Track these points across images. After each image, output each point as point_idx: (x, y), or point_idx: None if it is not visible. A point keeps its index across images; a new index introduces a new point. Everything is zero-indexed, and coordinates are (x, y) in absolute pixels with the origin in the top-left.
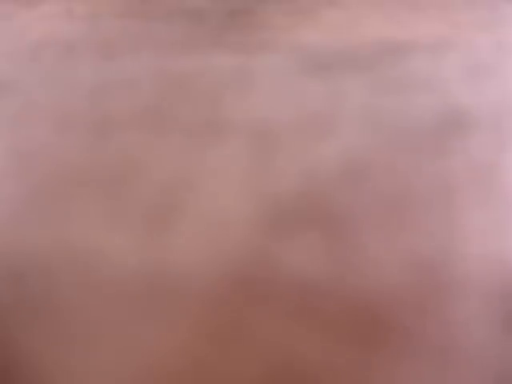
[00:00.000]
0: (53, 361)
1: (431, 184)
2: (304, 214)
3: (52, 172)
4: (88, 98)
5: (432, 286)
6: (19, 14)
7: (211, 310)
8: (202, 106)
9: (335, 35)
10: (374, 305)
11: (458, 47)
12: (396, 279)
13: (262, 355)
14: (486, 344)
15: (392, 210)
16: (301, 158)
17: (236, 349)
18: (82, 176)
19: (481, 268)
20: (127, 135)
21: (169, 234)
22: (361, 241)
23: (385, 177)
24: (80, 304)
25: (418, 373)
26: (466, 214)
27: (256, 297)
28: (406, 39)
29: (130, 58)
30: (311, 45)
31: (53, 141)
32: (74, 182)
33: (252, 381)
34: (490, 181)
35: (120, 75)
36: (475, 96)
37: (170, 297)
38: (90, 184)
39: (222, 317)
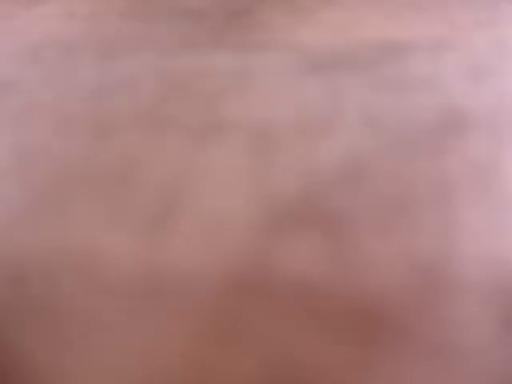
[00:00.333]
0: (53, 362)
1: (430, 184)
2: (303, 215)
3: (52, 172)
4: (88, 98)
5: (431, 286)
6: (19, 13)
7: (211, 311)
8: (201, 106)
9: (335, 35)
10: (373, 305)
11: (457, 47)
12: (395, 280)
13: (262, 356)
14: (486, 344)
15: (391, 210)
16: (300, 158)
17: (235, 349)
18: (82, 176)
19: (480, 268)
20: (127, 135)
21: (169, 234)
22: (360, 241)
23: (384, 177)
24: (80, 305)
25: (418, 373)
26: (465, 214)
27: (255, 297)
28: (406, 39)
29: (130, 58)
30: (311, 45)
31: (53, 141)
32: (75, 182)
33: (251, 381)
34: (489, 181)
35: (120, 75)
36: (475, 96)
37: (169, 298)
38: (90, 184)
39: (222, 317)
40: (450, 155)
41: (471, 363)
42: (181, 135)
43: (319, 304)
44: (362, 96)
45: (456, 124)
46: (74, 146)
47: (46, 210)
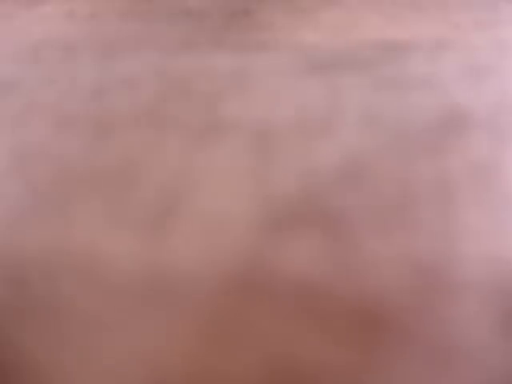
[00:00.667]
0: (53, 362)
1: (430, 184)
2: (303, 215)
3: (52, 172)
4: (88, 98)
5: (431, 286)
6: (19, 13)
7: (211, 311)
8: (201, 106)
9: (335, 35)
10: (373, 305)
11: (457, 47)
12: (395, 280)
13: (262, 356)
14: (486, 344)
15: (391, 210)
16: (300, 158)
17: (236, 349)
18: (82, 176)
19: (480, 268)
20: (127, 135)
21: (169, 234)
22: (360, 241)
23: (384, 177)
24: (80, 305)
25: (418, 373)
26: (465, 214)
27: (256, 298)
28: (406, 39)
29: (130, 58)
30: (311, 45)
31: (53, 141)
32: (75, 182)
33: (251, 381)
34: (489, 181)
35: (120, 75)
36: (475, 96)
37: (170, 298)
38: (90, 184)
39: (222, 317)
40: (451, 155)
41: (471, 363)
42: (181, 135)
43: (319, 304)
44: (362, 96)
45: (456, 124)
46: (74, 146)
47: (46, 210)
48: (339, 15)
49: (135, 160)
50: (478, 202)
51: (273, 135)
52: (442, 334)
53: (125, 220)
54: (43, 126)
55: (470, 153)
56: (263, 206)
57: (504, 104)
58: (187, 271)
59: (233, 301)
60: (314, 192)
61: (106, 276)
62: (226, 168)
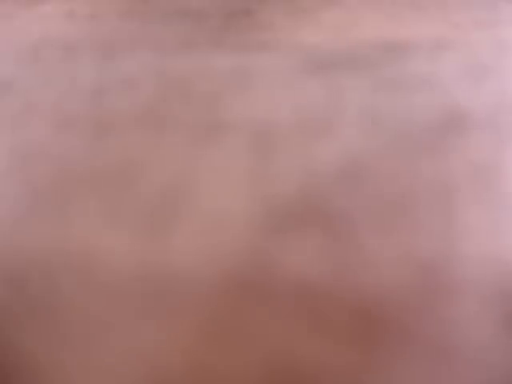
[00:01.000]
0: (53, 362)
1: (430, 184)
2: (303, 215)
3: (52, 172)
4: (88, 98)
5: (431, 286)
6: (19, 13)
7: (211, 310)
8: (201, 106)
9: (335, 35)
10: (373, 305)
11: (457, 47)
12: (395, 280)
13: (262, 356)
14: (486, 344)
15: (391, 210)
16: (300, 158)
17: (235, 350)
18: (82, 176)
19: (480, 268)
20: (127, 135)
21: (168, 234)
22: (360, 241)
23: (384, 177)
24: (80, 305)
25: (418, 373)
26: (465, 214)
27: (255, 297)
28: (406, 39)
29: (129, 58)
30: (311, 45)
31: (53, 141)
32: (75, 182)
33: (251, 381)
34: (489, 181)
35: (120, 75)
36: (474, 96)
37: (169, 298)
38: (90, 184)
39: (222, 317)
40: (451, 155)
41: (471, 363)
42: (181, 135)
43: (319, 304)
44: (362, 96)
45: (456, 124)
46: (73, 146)
47: (45, 210)
48: (339, 15)
49: (135, 160)
50: (478, 202)
51: (273, 135)
52: (442, 334)
53: (125, 220)
54: (43, 125)
55: (470, 153)
56: (263, 206)
57: (504, 104)
58: (187, 271)
59: (232, 300)
60: (314, 192)
61: (106, 276)
62: (226, 168)
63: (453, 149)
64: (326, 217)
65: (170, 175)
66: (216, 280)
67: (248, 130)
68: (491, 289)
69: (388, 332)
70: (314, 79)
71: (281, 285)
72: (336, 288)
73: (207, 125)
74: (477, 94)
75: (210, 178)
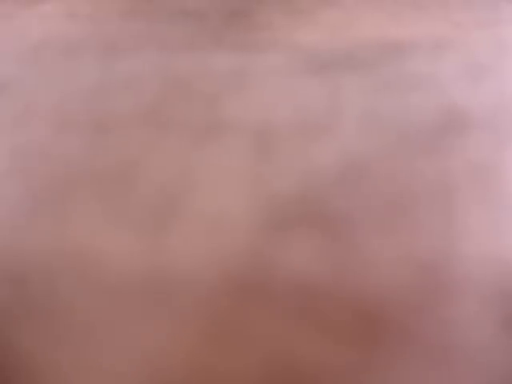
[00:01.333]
0: (53, 362)
1: (430, 184)
2: (303, 215)
3: (52, 172)
4: (89, 98)
5: (431, 286)
6: (19, 13)
7: (211, 311)
8: (201, 106)
9: (335, 35)
10: (373, 305)
11: (457, 47)
12: (395, 280)
13: (262, 356)
14: (486, 344)
15: (391, 210)
16: (300, 158)
17: (236, 350)
18: (82, 177)
19: (480, 268)
20: (127, 135)
21: (168, 234)
22: (360, 242)
23: (384, 177)
24: (80, 305)
25: (418, 374)
26: (465, 214)
27: (256, 298)
28: (406, 39)
29: (130, 58)
30: (311, 45)
31: (53, 141)
32: (75, 182)
33: (251, 381)
34: (489, 180)
35: (121, 75)
36: (474, 96)
37: (169, 298)
38: (90, 184)
39: (222, 317)
40: (450, 155)
41: (471, 363)
42: (181, 135)
43: (319, 304)
44: (362, 96)
45: (456, 124)
46: (74, 146)
47: (45, 210)
48: (338, 15)
49: (135, 160)
50: (478, 202)
51: (272, 135)
52: (442, 334)
53: (125, 220)
54: (43, 126)
55: (470, 153)
56: (263, 207)
57: (504, 104)
58: (187, 271)
59: (233, 301)
60: (313, 192)
61: (106, 276)
62: (226, 168)
63: (452, 149)
64: (326, 217)
65: (170, 175)
66: (216, 280)
67: (248, 130)
68: (491, 289)
69: (388, 332)
70: (314, 79)
71: (281, 285)
72: (336, 288)
73: (207, 125)
74: (477, 93)
75: (210, 178)
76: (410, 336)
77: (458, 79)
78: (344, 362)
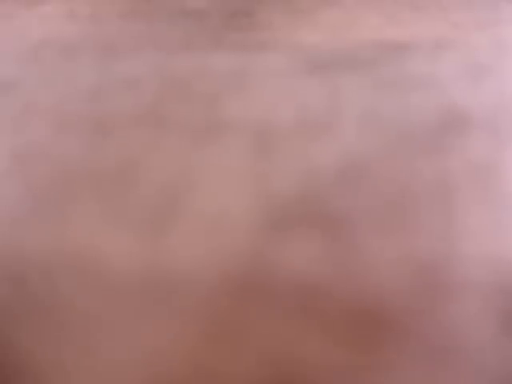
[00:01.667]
0: (53, 362)
1: (430, 184)
2: (303, 215)
3: (52, 172)
4: (88, 98)
5: (431, 286)
6: (19, 13)
7: (211, 310)
8: (201, 106)
9: (334, 35)
10: (373, 306)
11: (457, 47)
12: (395, 280)
13: (262, 355)
14: (486, 345)
15: (391, 210)
16: (300, 158)
17: (236, 349)
18: (82, 176)
19: (480, 268)
20: (127, 135)
21: (168, 234)
22: (360, 242)
23: (384, 177)
24: (80, 305)
25: (418, 374)
26: (465, 214)
27: (256, 298)
28: (406, 39)
29: (130, 58)
30: (310, 45)
31: (53, 142)
32: (75, 182)
33: (252, 382)
34: (489, 180)
35: (121, 75)
36: (474, 96)
37: (169, 298)
38: (89, 184)
39: (222, 317)
40: (450, 155)
41: (471, 364)
42: (181, 135)
43: (319, 304)
44: (362, 96)
45: (456, 124)
46: (73, 146)
47: (45, 210)
48: (338, 15)
49: (135, 160)
50: (478, 202)
51: (273, 135)
52: (442, 335)
53: (124, 220)
54: (43, 126)
55: (470, 153)
56: (263, 207)
57: (504, 104)
58: (187, 271)
59: (233, 301)
60: (313, 192)
61: (106, 276)
62: (226, 168)
63: (452, 149)
64: (326, 217)
65: (170, 175)
66: (216, 280)
67: (248, 130)
68: (491, 289)
69: (388, 332)
70: (314, 79)
71: (281, 285)
72: (336, 289)
73: (207, 125)
74: (476, 93)
75: (210, 178)
76: (410, 336)
77: (458, 79)
78: (344, 362)
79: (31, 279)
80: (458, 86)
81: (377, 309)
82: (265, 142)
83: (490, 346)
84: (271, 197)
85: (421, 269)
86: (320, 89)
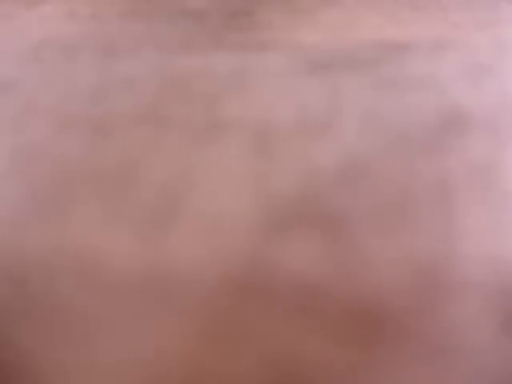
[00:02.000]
0: (53, 362)
1: (430, 184)
2: (303, 215)
3: (52, 172)
4: (89, 98)
5: (431, 286)
6: (19, 13)
7: (211, 310)
8: (201, 106)
9: (334, 35)
10: (373, 306)
11: (457, 47)
12: (395, 280)
13: (262, 355)
14: (486, 345)
15: (391, 210)
16: (300, 158)
17: (236, 349)
18: (82, 176)
19: (480, 268)
20: (127, 135)
21: (168, 234)
22: (360, 242)
23: (384, 177)
24: (80, 305)
25: (418, 374)
26: (465, 214)
27: (256, 297)
28: (406, 39)
29: (130, 58)
30: (310, 45)
31: (53, 141)
32: (75, 182)
33: (251, 382)
34: (489, 180)
35: (121, 75)
36: (474, 96)
37: (169, 298)
38: (89, 185)
39: (222, 317)
40: (450, 155)
41: (471, 364)
42: (181, 135)
43: (319, 304)
44: (362, 96)
45: (456, 124)
46: (73, 146)
47: (45, 210)
48: (338, 15)
49: (135, 160)
50: (478, 202)
51: (272, 135)
52: (442, 334)
53: (124, 220)
54: (43, 126)
55: (470, 153)
56: (263, 207)
57: (504, 104)
58: (187, 271)
59: (232, 301)
60: (313, 192)
61: (106, 276)
62: (226, 168)
63: (452, 149)
64: (326, 217)
65: (170, 175)
66: (216, 280)
67: (248, 130)
68: (491, 289)
69: (388, 332)
70: (314, 79)
71: (281, 285)
72: (336, 289)
73: (207, 125)
74: (476, 93)
75: (210, 178)
76: (410, 336)
77: (458, 79)
78: (344, 362)
79: (31, 279)
80: (458, 86)
81: (377, 309)
82: (265, 142)
83: (489, 346)
84: (271, 197)
85: (421, 269)
86: (320, 89)
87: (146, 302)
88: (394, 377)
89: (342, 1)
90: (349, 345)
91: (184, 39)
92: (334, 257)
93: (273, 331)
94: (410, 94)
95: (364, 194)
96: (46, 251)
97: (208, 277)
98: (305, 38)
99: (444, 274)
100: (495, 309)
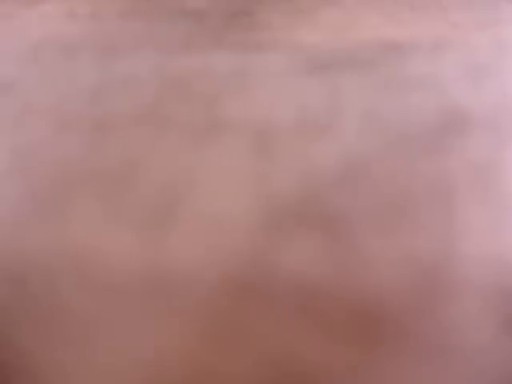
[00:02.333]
0: (53, 362)
1: (430, 184)
2: (303, 215)
3: (52, 172)
4: (88, 97)
5: (431, 286)
6: (19, 13)
7: (211, 310)
8: (201, 106)
9: (334, 35)
10: (373, 306)
11: (457, 47)
12: (395, 280)
13: (262, 356)
14: (486, 345)
15: (391, 210)
16: (300, 158)
17: (235, 349)
18: (82, 176)
19: (480, 268)
20: (127, 135)
21: (168, 234)
22: (360, 242)
23: (384, 177)
24: (80, 305)
25: (417, 374)
26: (465, 214)
27: (256, 297)
28: (406, 39)
29: (130, 58)
30: (310, 45)
31: (53, 141)
32: (74, 182)
33: (251, 382)
34: (489, 180)
35: (121, 75)
36: (474, 96)
37: (169, 298)
38: (90, 184)
39: (222, 317)
40: (450, 155)
41: (471, 364)
42: (180, 135)
43: (319, 304)
44: (362, 96)
45: (456, 124)
46: (73, 146)
47: (45, 210)
48: (338, 15)
49: (135, 160)
50: (478, 202)
51: (273, 135)
52: (442, 335)
53: (124, 220)
54: (43, 126)
55: (470, 153)
56: (263, 207)
57: (504, 104)
58: (187, 271)
59: (232, 301)
60: (313, 192)
61: (106, 276)
62: (226, 168)
63: (453, 149)
64: (326, 217)
65: (170, 175)
66: (216, 280)
67: (248, 130)
68: (491, 289)
69: (388, 332)
70: (314, 79)
71: (281, 285)
72: (336, 288)
73: (207, 125)
74: (477, 93)
75: (210, 178)
76: (410, 336)
77: (458, 79)
78: (344, 362)
79: (31, 279)
80: (458, 86)
81: (377, 309)
82: (265, 142)
83: (489, 347)
84: (271, 197)
85: (421, 269)
86: (320, 89)
87: (145, 302)
88: (393, 377)
89: (342, 1)
90: (349, 345)
91: (184, 39)
92: (334, 257)
93: (273, 331)
94: (410, 94)
95: (364, 194)
96: (45, 251)
97: (208, 277)
98: (305, 37)
99: (444, 274)
100: (495, 309)
